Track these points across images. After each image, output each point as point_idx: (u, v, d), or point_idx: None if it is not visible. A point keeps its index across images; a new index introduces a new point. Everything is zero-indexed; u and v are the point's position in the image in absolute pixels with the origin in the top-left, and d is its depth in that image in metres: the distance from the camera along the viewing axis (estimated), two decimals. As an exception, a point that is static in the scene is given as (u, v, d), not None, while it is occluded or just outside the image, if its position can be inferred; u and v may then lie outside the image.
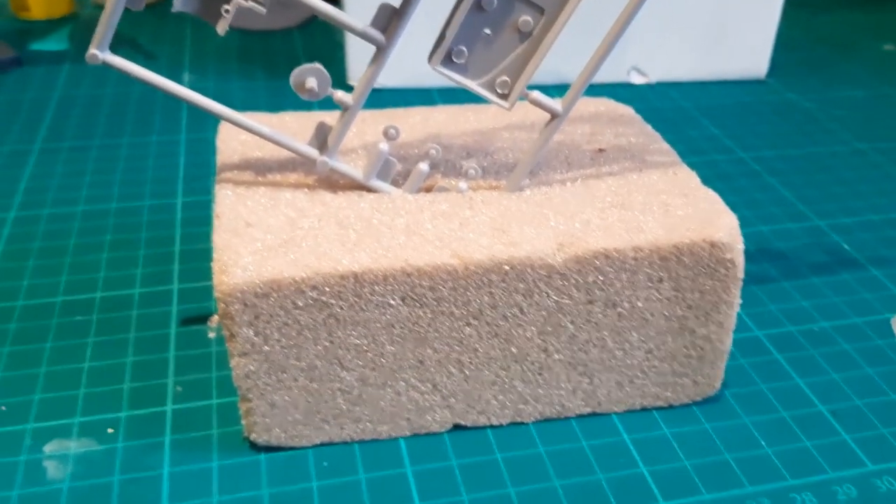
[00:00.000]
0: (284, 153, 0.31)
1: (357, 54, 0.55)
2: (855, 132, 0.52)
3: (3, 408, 0.30)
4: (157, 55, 0.62)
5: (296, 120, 0.34)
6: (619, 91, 0.57)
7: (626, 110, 0.36)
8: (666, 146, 0.33)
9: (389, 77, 0.56)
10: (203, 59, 0.62)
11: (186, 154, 0.48)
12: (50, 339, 0.34)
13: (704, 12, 0.56)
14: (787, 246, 0.41)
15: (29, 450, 0.29)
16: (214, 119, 0.52)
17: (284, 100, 0.55)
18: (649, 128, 0.34)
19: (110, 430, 0.30)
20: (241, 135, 0.33)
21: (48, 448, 0.29)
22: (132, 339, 0.34)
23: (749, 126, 0.53)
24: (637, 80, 0.58)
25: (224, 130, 0.33)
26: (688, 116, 0.54)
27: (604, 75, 0.56)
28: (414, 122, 0.34)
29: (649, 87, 0.58)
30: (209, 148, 0.49)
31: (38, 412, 0.30)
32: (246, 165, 0.31)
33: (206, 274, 0.38)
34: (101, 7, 0.72)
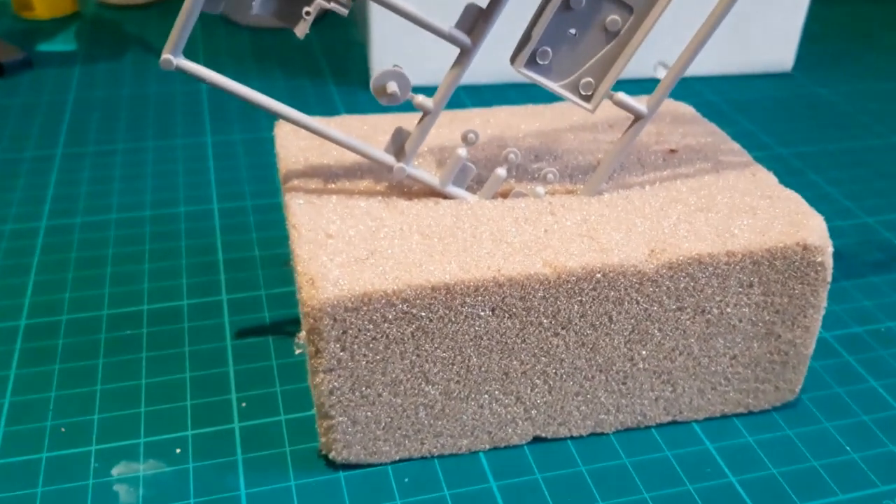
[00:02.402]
0: (349, 158, 0.30)
1: (381, 54, 0.54)
2: (889, 125, 0.52)
3: (63, 429, 0.29)
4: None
5: (356, 123, 0.33)
6: (647, 86, 0.55)
7: (687, 109, 0.35)
8: (736, 146, 0.32)
9: (416, 77, 0.55)
10: (218, 60, 0.60)
11: (214, 158, 0.47)
12: (101, 355, 0.32)
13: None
14: (840, 244, 0.40)
15: (96, 473, 0.28)
16: (238, 121, 0.51)
17: (306, 100, 0.53)
18: (715, 127, 0.34)
19: (178, 451, 0.28)
20: (301, 140, 0.31)
21: (116, 471, 0.28)
22: (187, 353, 0.33)
23: (783, 121, 0.52)
24: (663, 74, 0.57)
25: (282, 135, 0.32)
26: (719, 112, 0.53)
27: (630, 71, 0.56)
28: (475, 126, 0.33)
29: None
30: (236, 151, 0.48)
31: (99, 433, 0.29)
32: (312, 172, 0.30)
33: (255, 284, 0.37)
34: (105, 6, 0.70)
